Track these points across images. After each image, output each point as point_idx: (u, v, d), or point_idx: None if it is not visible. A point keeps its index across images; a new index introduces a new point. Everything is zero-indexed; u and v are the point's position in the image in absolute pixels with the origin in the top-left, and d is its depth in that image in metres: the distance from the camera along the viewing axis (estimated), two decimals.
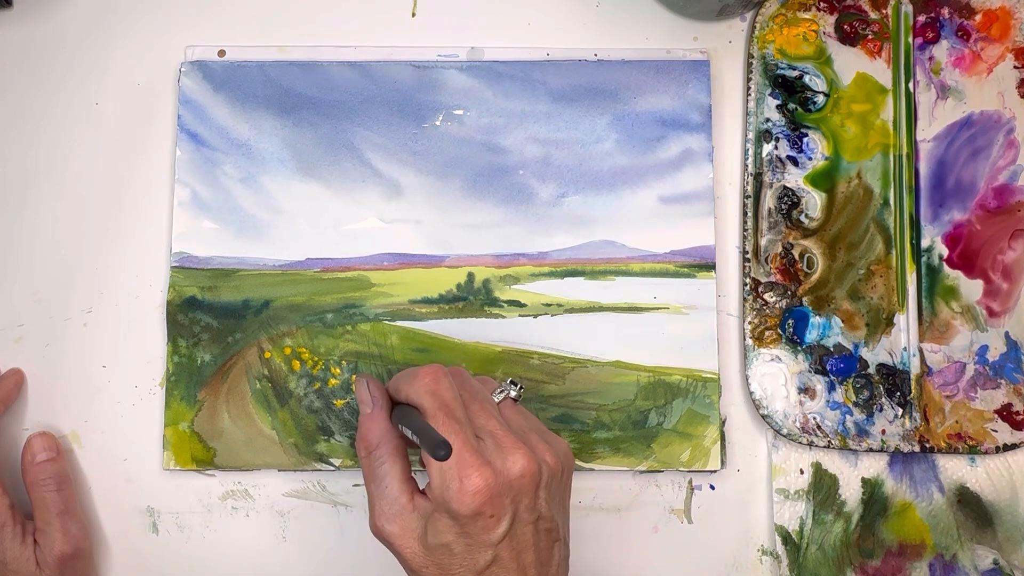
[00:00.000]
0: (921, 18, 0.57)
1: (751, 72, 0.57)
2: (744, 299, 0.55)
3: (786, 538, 0.54)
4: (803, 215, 0.56)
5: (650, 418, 0.54)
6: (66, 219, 0.56)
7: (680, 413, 0.54)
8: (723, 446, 0.54)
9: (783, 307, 0.55)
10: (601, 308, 0.55)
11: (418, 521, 0.43)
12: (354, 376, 0.47)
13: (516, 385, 0.46)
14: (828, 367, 0.54)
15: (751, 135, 0.56)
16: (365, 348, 0.54)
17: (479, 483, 0.41)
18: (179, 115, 0.56)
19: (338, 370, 0.54)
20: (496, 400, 0.45)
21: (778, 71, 0.57)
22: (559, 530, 0.44)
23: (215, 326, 0.54)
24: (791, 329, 0.55)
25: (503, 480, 0.42)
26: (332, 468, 0.53)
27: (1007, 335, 0.55)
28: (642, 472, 0.54)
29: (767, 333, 0.55)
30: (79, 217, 0.56)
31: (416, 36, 0.58)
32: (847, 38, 0.57)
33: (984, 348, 0.55)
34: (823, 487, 0.54)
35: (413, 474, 0.45)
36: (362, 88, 0.56)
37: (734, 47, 0.58)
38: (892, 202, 0.56)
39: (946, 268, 0.55)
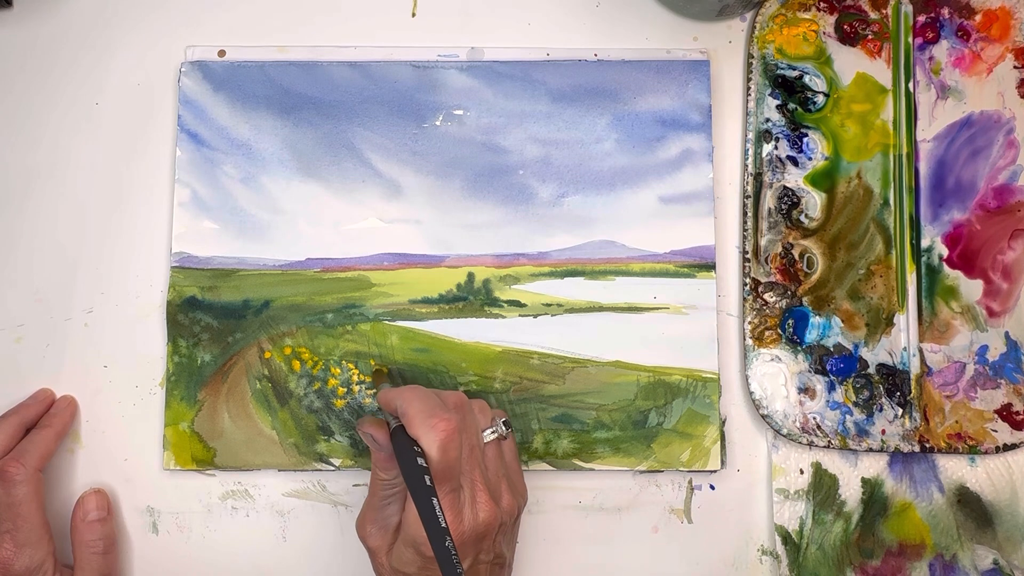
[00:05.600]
0: (921, 18, 0.57)
1: (751, 72, 0.57)
2: (744, 299, 0.55)
3: (786, 538, 0.54)
4: (803, 215, 0.56)
5: (650, 418, 0.54)
6: (66, 219, 0.56)
7: (680, 413, 0.54)
8: (723, 446, 0.54)
9: (783, 307, 0.55)
10: (601, 308, 0.55)
11: (395, 536, 0.46)
12: (358, 422, 0.48)
13: (507, 426, 0.48)
14: (828, 367, 0.54)
15: (751, 135, 0.56)
16: (365, 348, 0.54)
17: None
18: (179, 115, 0.56)
19: (338, 370, 0.54)
20: (484, 440, 0.47)
21: (778, 71, 0.57)
22: (507, 560, 0.48)
23: (215, 326, 0.54)
24: (791, 329, 0.55)
25: (470, 530, 0.45)
26: (332, 468, 0.53)
27: (1007, 335, 0.55)
28: (642, 472, 0.54)
29: (767, 333, 0.55)
30: (79, 217, 0.56)
31: (416, 36, 0.58)
32: (847, 38, 0.57)
33: (984, 348, 0.55)
34: (823, 487, 0.54)
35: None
36: (362, 88, 0.56)
37: (734, 47, 0.58)
38: (892, 202, 0.56)
39: (946, 268, 0.55)
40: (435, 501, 0.42)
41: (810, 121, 0.56)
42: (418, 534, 0.44)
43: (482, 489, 0.45)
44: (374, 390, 0.53)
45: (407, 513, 0.45)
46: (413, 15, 0.58)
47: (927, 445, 0.54)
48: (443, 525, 0.42)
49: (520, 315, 0.55)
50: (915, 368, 0.54)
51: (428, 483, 0.43)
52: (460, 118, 0.56)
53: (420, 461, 0.44)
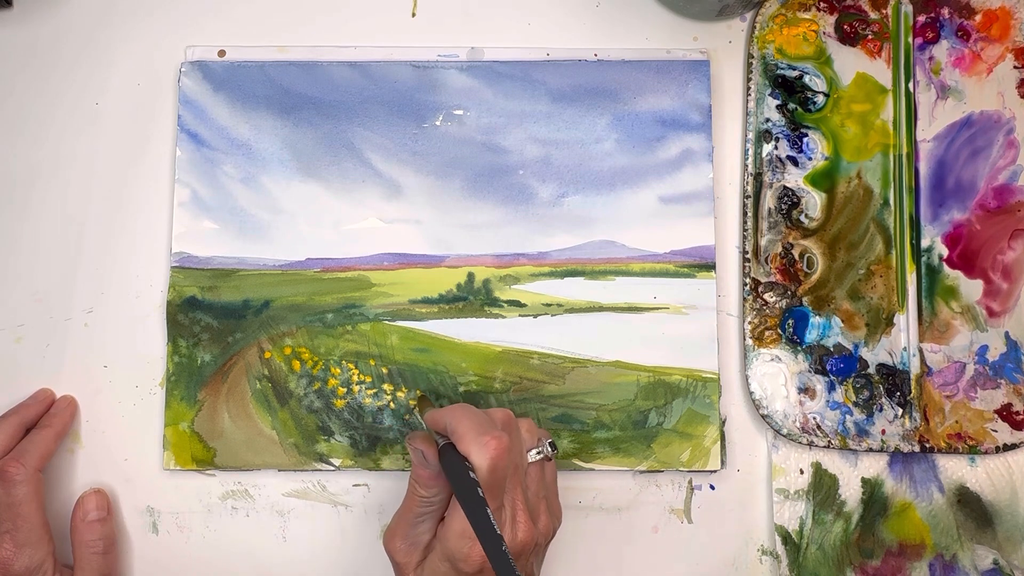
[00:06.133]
0: (921, 18, 0.57)
1: (751, 72, 0.57)
2: (744, 299, 0.55)
3: (786, 538, 0.54)
4: (803, 215, 0.56)
5: (650, 418, 0.54)
6: (67, 219, 0.56)
7: (680, 413, 0.54)
8: (723, 446, 0.54)
9: (783, 307, 0.55)
10: (601, 308, 0.55)
11: (424, 553, 0.46)
12: (407, 437, 0.48)
13: (552, 447, 0.48)
14: (828, 367, 0.54)
15: (751, 135, 0.56)
16: (365, 348, 0.54)
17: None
18: (179, 115, 0.56)
19: (338, 370, 0.54)
20: (529, 460, 0.47)
21: (778, 71, 0.57)
22: None
23: (215, 326, 0.54)
24: (791, 329, 0.55)
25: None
26: (332, 468, 0.53)
27: (1007, 335, 0.55)
28: (642, 472, 0.54)
29: (767, 333, 0.55)
30: (80, 217, 0.56)
31: (416, 36, 0.58)
32: (847, 38, 0.57)
33: (984, 348, 0.55)
34: (823, 487, 0.54)
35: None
36: (362, 88, 0.56)
37: (734, 47, 0.58)
38: (892, 202, 0.56)
39: (946, 268, 0.55)
40: (488, 511, 0.42)
41: (810, 121, 0.56)
42: (458, 549, 0.44)
43: (522, 509, 0.45)
44: (420, 415, 0.53)
45: (446, 529, 0.45)
46: (413, 15, 0.58)
47: (927, 445, 0.54)
48: (498, 532, 0.42)
49: (520, 315, 0.55)
50: (915, 368, 0.54)
51: (480, 495, 0.43)
52: (460, 118, 0.56)
53: (471, 475, 0.44)
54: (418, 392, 0.54)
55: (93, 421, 0.55)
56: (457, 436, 0.45)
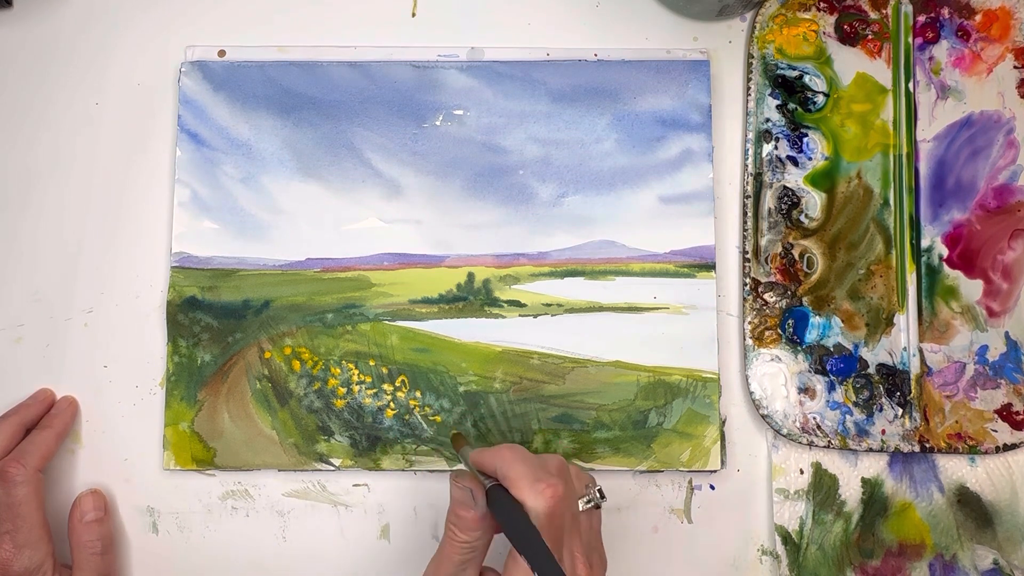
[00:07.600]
0: (921, 18, 0.57)
1: (751, 72, 0.57)
2: (744, 299, 0.55)
3: (786, 538, 0.54)
4: (803, 215, 0.56)
5: (650, 418, 0.54)
6: (66, 219, 0.56)
7: (680, 413, 0.54)
8: (723, 446, 0.54)
9: (783, 307, 0.55)
10: (601, 308, 0.55)
11: None
12: (452, 476, 0.46)
13: (601, 496, 0.47)
14: (828, 367, 0.54)
15: (751, 135, 0.56)
16: (365, 348, 0.54)
17: None
18: (179, 115, 0.56)
19: (338, 370, 0.54)
20: (580, 508, 0.45)
21: (778, 71, 0.57)
22: None
23: (215, 326, 0.54)
24: (791, 329, 0.55)
25: None
26: (332, 468, 0.53)
27: (1007, 335, 0.55)
28: (642, 472, 0.54)
29: (767, 333, 0.55)
30: (79, 217, 0.56)
31: (416, 36, 0.58)
32: (847, 38, 0.57)
33: (984, 348, 0.55)
34: (823, 487, 0.54)
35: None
36: (362, 88, 0.56)
37: (734, 47, 0.58)
38: (892, 202, 0.56)
39: (946, 268, 0.55)
40: (554, 557, 0.40)
41: (810, 121, 0.56)
42: None
43: (581, 559, 0.43)
44: (457, 452, 0.51)
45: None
46: (413, 15, 0.58)
47: (927, 445, 0.54)
48: None
49: (520, 315, 0.55)
50: (915, 368, 0.54)
51: (542, 540, 0.41)
52: (460, 118, 0.56)
53: (530, 520, 0.42)
54: (453, 430, 0.53)
55: (93, 421, 0.55)
56: (510, 481, 0.43)
